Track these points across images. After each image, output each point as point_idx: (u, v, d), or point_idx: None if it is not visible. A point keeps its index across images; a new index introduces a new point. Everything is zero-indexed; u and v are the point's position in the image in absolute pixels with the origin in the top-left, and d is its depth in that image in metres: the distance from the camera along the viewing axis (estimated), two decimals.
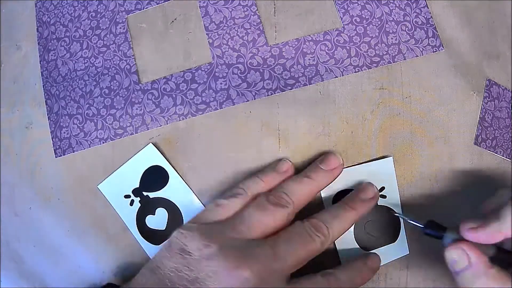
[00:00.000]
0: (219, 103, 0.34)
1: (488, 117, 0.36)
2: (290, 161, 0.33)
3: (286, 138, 0.34)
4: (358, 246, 0.34)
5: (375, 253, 0.34)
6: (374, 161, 0.34)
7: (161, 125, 0.34)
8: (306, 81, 0.34)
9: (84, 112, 0.35)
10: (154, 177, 0.34)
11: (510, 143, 0.37)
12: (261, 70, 0.34)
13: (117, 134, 0.34)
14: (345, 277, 0.31)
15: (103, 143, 0.34)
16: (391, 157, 0.34)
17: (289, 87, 0.34)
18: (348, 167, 0.34)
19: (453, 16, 0.36)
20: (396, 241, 0.34)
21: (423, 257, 0.35)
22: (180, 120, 0.34)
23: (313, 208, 0.33)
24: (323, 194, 0.34)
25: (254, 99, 0.33)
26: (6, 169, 0.37)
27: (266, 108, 0.34)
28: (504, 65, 0.37)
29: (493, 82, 0.36)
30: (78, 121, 0.35)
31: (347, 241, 0.34)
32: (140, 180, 0.34)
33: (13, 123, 0.37)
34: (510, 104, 0.37)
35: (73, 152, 0.35)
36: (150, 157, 0.34)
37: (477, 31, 0.36)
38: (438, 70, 0.35)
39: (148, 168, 0.34)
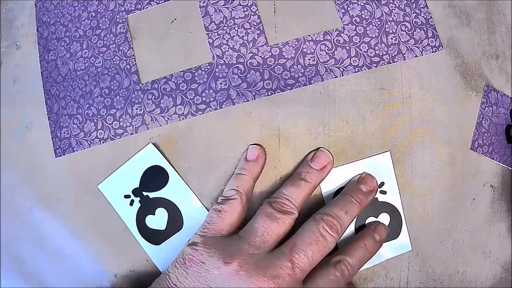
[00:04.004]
0: (219, 103, 0.34)
1: (485, 123, 0.36)
2: (257, 144, 0.33)
3: (286, 138, 0.34)
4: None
5: (379, 221, 0.34)
6: (372, 157, 0.34)
7: (161, 125, 0.34)
8: (306, 81, 0.34)
9: (84, 112, 0.35)
10: (154, 177, 0.34)
11: (507, 149, 0.37)
12: (261, 70, 0.34)
13: (117, 134, 0.34)
14: (355, 261, 0.31)
15: (103, 143, 0.34)
16: (389, 152, 0.34)
17: (289, 87, 0.34)
18: (346, 164, 0.34)
19: (453, 16, 0.36)
20: (398, 237, 0.34)
21: (425, 255, 0.35)
22: (180, 120, 0.34)
23: (314, 206, 0.34)
24: (324, 190, 0.34)
25: (254, 99, 0.33)
26: (6, 169, 0.37)
27: (266, 108, 0.34)
28: (503, 65, 0.37)
29: (492, 88, 0.36)
30: (78, 121, 0.35)
31: (348, 237, 0.34)
32: (140, 180, 0.34)
33: (13, 123, 0.37)
34: (509, 110, 0.37)
35: (73, 152, 0.35)
36: (150, 157, 0.34)
37: (476, 31, 0.37)
38: (438, 70, 0.35)
39: (148, 168, 0.34)
